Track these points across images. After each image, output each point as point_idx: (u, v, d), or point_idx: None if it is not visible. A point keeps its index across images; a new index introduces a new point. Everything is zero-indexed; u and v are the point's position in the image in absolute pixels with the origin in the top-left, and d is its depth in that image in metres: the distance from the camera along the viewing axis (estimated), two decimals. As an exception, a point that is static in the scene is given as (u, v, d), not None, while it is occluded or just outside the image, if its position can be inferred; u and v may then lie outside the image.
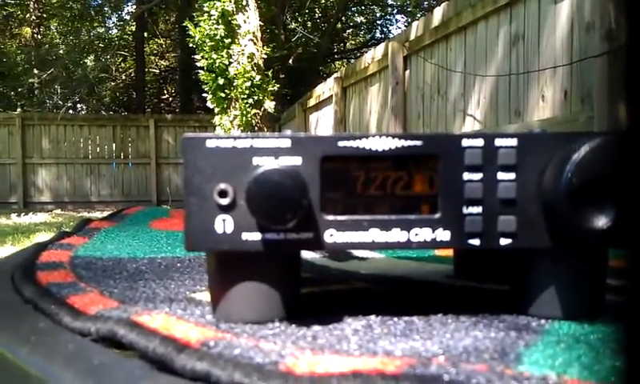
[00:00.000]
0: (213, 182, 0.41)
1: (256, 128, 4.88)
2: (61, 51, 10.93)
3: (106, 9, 11.30)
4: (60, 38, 11.75)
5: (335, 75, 5.61)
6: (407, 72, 3.91)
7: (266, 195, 0.39)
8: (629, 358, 0.21)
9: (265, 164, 0.41)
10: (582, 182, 0.38)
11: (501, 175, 0.42)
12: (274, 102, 5.05)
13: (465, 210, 0.42)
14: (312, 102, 6.27)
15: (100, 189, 8.15)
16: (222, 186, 0.41)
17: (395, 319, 0.44)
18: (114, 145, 8.27)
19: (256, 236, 0.41)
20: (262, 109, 4.93)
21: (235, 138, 0.41)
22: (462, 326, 0.42)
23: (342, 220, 0.42)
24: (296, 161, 0.41)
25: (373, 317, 0.45)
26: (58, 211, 7.19)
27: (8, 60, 10.48)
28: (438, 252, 0.80)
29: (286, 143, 0.41)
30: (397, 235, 0.42)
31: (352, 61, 8.75)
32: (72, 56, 10.33)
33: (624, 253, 0.22)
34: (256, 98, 4.86)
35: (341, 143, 0.42)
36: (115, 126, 8.30)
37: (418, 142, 0.42)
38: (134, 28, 10.99)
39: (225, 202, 0.41)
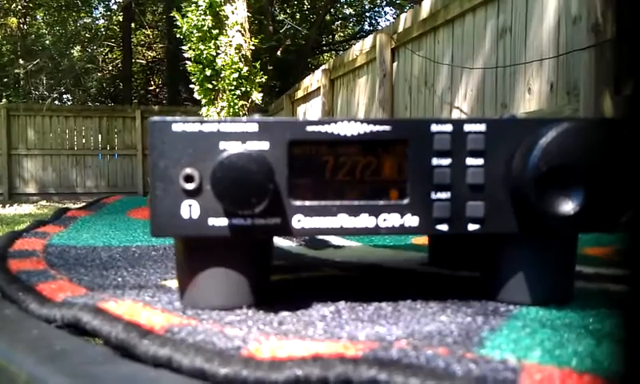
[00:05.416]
0: (179, 167, 0.40)
1: (243, 120, 4.85)
2: (47, 42, 10.82)
3: (92, -1, 11.20)
4: (46, 28, 11.62)
5: (323, 67, 5.60)
6: (395, 64, 3.90)
7: (230, 180, 0.38)
8: (627, 347, 0.21)
9: (231, 148, 0.40)
10: (549, 168, 0.38)
11: (469, 161, 0.42)
12: (261, 94, 5.03)
13: (433, 196, 0.42)
14: (300, 94, 6.26)
15: (86, 180, 8.10)
16: (188, 170, 0.40)
17: (364, 305, 0.44)
18: (100, 136, 8.21)
19: (223, 221, 0.41)
20: (250, 100, 4.91)
21: (202, 121, 0.41)
22: (430, 312, 0.42)
23: (310, 205, 0.42)
24: (263, 145, 0.41)
25: (342, 303, 0.44)
26: (44, 202, 7.14)
27: (-7, 50, 10.36)
28: (415, 240, 0.80)
29: (254, 127, 0.41)
30: (365, 221, 0.42)
31: (340, 53, 8.73)
32: (58, 46, 10.24)
33: (622, 242, 0.22)
34: (243, 89, 4.83)
35: (309, 128, 0.41)
36: (101, 117, 8.24)
37: (387, 127, 0.42)
38: (121, 18, 10.90)
39: (191, 186, 0.40)
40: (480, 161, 0.41)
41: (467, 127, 0.41)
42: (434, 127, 0.41)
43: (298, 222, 0.42)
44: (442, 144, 0.41)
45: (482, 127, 0.41)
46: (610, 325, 0.38)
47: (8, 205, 6.35)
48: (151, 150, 0.41)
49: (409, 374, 0.28)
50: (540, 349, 0.32)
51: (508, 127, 0.41)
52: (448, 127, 0.41)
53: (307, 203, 0.42)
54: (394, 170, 0.42)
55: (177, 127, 0.41)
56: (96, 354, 0.36)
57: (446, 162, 0.41)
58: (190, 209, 0.41)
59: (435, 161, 0.42)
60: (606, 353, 0.32)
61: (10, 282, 0.51)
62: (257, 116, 0.42)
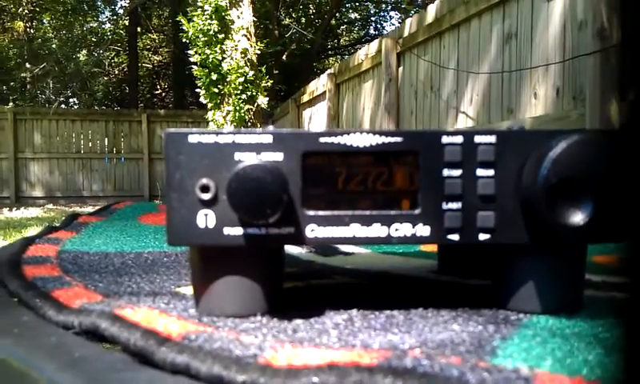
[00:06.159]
0: (195, 177, 0.41)
1: (249, 124, 4.87)
2: (53, 46, 10.87)
3: (99, 3, 11.25)
4: (53, 32, 11.68)
5: (329, 71, 5.60)
6: (400, 69, 3.91)
7: (246, 190, 0.39)
8: (628, 354, 0.21)
9: (246, 159, 0.41)
10: (558, 179, 0.39)
11: (480, 171, 0.42)
12: (267, 98, 5.04)
13: (444, 206, 0.42)
14: (305, 98, 6.27)
15: (92, 184, 8.12)
16: (204, 181, 0.41)
17: (376, 313, 0.44)
18: (106, 140, 8.24)
19: (238, 231, 0.42)
20: (256, 104, 4.92)
21: (217, 133, 0.42)
22: (442, 320, 0.42)
23: (323, 215, 0.42)
24: (277, 156, 0.42)
25: (354, 311, 0.45)
26: (50, 206, 7.16)
27: (0, 54, 10.41)
28: (424, 247, 0.81)
29: (268, 139, 0.42)
30: (377, 230, 0.42)
31: (346, 57, 8.74)
32: (64, 50, 10.29)
33: (623, 250, 0.22)
34: (249, 93, 4.85)
35: (322, 139, 0.42)
36: (108, 120, 8.27)
37: (399, 139, 0.42)
38: (127, 23, 10.94)
39: (207, 196, 0.41)
40: (490, 172, 0.42)
41: (478, 139, 0.42)
42: (445, 139, 0.42)
43: (312, 231, 0.42)
44: (452, 155, 0.42)
45: (492, 139, 0.42)
46: (616, 333, 0.38)
47: (15, 208, 6.38)
48: (167, 161, 0.42)
49: (424, 382, 0.28)
50: (551, 358, 0.33)
51: (518, 139, 0.42)
52: (459, 139, 0.42)
53: (320, 213, 0.42)
54: (405, 180, 0.43)
55: (193, 138, 0.41)
56: (115, 361, 0.36)
57: (457, 172, 0.42)
58: (205, 218, 0.41)
59: (446, 172, 0.42)
60: (615, 362, 0.32)
61: (27, 288, 0.52)
62: (271, 127, 0.42)
